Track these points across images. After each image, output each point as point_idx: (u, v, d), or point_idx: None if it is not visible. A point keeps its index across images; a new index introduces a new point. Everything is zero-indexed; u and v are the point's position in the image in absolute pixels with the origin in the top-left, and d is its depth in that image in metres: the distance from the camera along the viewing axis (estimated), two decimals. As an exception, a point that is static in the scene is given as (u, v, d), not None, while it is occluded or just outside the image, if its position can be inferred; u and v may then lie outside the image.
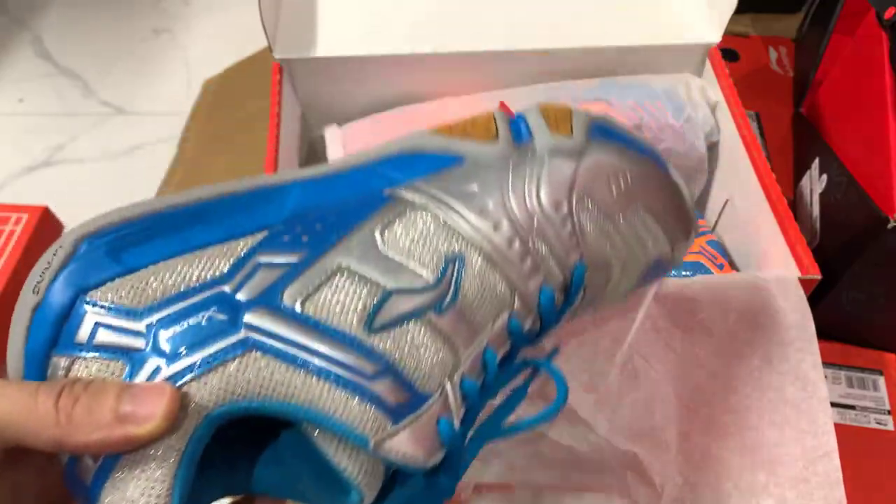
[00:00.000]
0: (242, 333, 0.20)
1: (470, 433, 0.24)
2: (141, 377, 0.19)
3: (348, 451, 0.20)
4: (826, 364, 0.48)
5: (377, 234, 0.22)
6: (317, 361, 0.20)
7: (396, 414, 0.20)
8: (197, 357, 0.19)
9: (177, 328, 0.20)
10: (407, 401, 0.21)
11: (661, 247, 0.26)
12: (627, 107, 0.49)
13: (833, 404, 0.46)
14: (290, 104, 0.49)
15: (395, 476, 0.22)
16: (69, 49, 0.84)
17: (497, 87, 0.51)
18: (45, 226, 0.52)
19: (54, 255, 0.20)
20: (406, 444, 0.20)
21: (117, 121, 0.76)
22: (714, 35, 0.50)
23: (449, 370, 0.22)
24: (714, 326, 0.36)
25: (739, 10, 0.47)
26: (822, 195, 0.51)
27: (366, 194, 0.23)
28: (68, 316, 0.19)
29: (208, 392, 0.19)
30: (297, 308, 0.21)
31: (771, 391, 0.36)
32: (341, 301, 0.21)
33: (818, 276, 0.37)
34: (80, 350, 0.19)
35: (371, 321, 0.21)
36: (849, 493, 0.34)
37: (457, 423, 0.22)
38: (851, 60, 0.52)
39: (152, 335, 0.19)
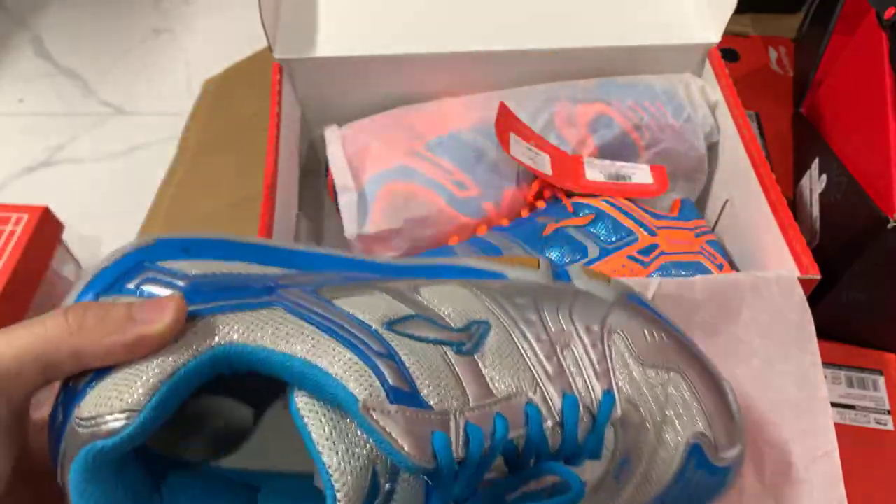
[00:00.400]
0: (274, 297, 0.22)
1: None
2: None
3: (335, 441, 0.20)
4: (826, 364, 0.48)
5: (415, 291, 0.24)
6: (330, 324, 0.21)
7: (394, 395, 0.20)
8: (225, 301, 0.21)
9: (215, 284, 0.22)
10: (406, 391, 0.20)
11: (696, 426, 0.25)
12: (627, 107, 0.49)
13: (833, 404, 0.46)
14: (290, 104, 0.49)
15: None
16: (69, 49, 0.84)
17: (497, 87, 0.51)
18: (46, 226, 0.52)
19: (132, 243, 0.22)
20: (395, 427, 0.20)
21: (117, 121, 0.76)
22: (714, 35, 0.50)
23: (455, 405, 0.21)
24: (714, 326, 0.36)
25: (739, 10, 0.47)
26: (821, 195, 0.51)
27: (408, 272, 0.25)
28: (129, 272, 0.21)
29: (225, 327, 0.20)
30: (329, 298, 0.22)
31: (771, 391, 0.36)
32: (370, 303, 0.22)
33: (818, 276, 0.37)
34: (124, 292, 0.21)
35: (391, 324, 0.22)
36: (849, 493, 0.34)
37: (455, 451, 0.21)
38: (851, 60, 0.52)
39: (192, 285, 0.21)
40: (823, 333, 0.36)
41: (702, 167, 0.51)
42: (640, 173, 0.48)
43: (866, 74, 0.48)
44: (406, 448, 0.20)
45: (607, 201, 0.46)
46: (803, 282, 0.37)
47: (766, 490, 0.34)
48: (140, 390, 0.19)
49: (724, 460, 0.26)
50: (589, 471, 0.24)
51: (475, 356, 0.22)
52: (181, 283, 0.22)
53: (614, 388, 0.24)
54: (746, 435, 0.35)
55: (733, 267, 0.46)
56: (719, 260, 0.44)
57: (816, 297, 0.38)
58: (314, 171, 0.56)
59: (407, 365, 0.21)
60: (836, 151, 0.50)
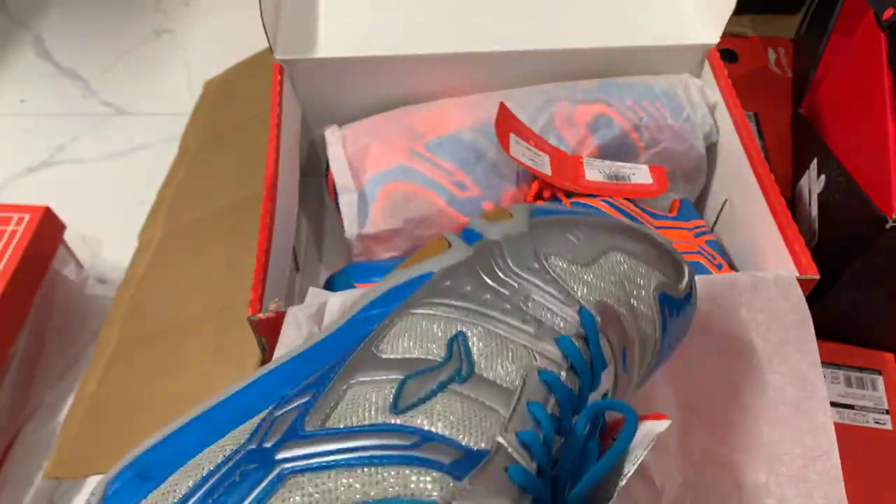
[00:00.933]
0: (276, 469, 0.20)
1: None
2: None
3: None
4: (825, 364, 0.48)
5: (374, 348, 0.22)
6: (353, 455, 0.19)
7: (456, 469, 0.19)
8: None
9: (214, 496, 0.19)
10: (462, 457, 0.20)
11: (653, 280, 0.26)
12: (626, 107, 0.49)
13: (831, 404, 0.46)
14: (290, 104, 0.49)
15: None
16: (70, 49, 0.84)
17: (497, 87, 0.51)
18: (46, 226, 0.52)
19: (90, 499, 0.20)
20: (481, 496, 0.19)
21: (118, 121, 0.76)
22: (713, 36, 0.50)
23: (497, 428, 0.21)
24: (713, 326, 0.37)
25: (738, 11, 0.48)
26: (820, 195, 0.51)
27: (355, 337, 0.23)
28: None
29: None
30: (320, 427, 0.20)
31: (770, 390, 0.36)
32: (361, 404, 0.21)
33: (817, 276, 0.37)
34: None
35: (395, 406, 0.21)
36: (848, 493, 0.34)
37: (531, 469, 0.20)
38: (850, 61, 0.52)
39: None
40: (822, 333, 0.37)
41: (701, 167, 0.51)
42: (640, 173, 0.48)
43: (865, 75, 0.48)
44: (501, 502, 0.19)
45: (606, 201, 0.46)
46: (802, 282, 0.37)
47: (765, 489, 0.34)
48: None
49: (682, 290, 0.27)
50: (605, 381, 0.24)
51: (475, 375, 0.22)
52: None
53: (582, 302, 0.24)
54: (746, 434, 0.36)
55: (732, 267, 0.46)
56: (718, 260, 0.44)
57: (815, 297, 0.38)
58: (314, 171, 0.56)
59: (440, 433, 0.20)
60: (835, 151, 0.50)
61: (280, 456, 0.20)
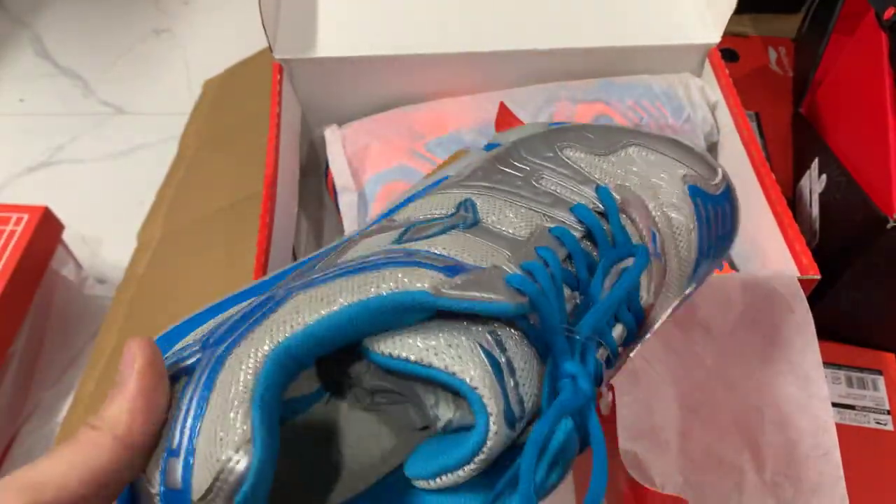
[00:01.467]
0: (282, 292, 0.20)
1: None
2: (198, 370, 0.19)
3: (427, 342, 0.18)
4: (825, 364, 0.48)
5: (386, 221, 0.23)
6: (348, 267, 0.20)
7: (449, 272, 0.19)
8: (243, 329, 0.19)
9: (224, 329, 0.20)
10: (455, 266, 0.20)
11: (679, 171, 0.25)
12: (627, 107, 0.49)
13: (832, 404, 0.46)
14: (290, 104, 0.49)
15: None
16: (69, 49, 0.84)
17: (497, 87, 0.51)
18: (46, 226, 0.52)
19: None
20: (471, 289, 0.19)
21: (117, 121, 0.76)
22: (713, 35, 0.50)
23: (499, 256, 0.21)
24: (714, 326, 0.37)
25: (739, 11, 0.48)
26: (821, 195, 0.51)
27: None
28: None
29: (261, 345, 0.18)
30: (337, 260, 0.21)
31: (771, 390, 0.36)
32: (366, 247, 0.22)
33: (817, 276, 0.37)
34: None
35: (400, 239, 0.21)
36: (848, 493, 0.34)
37: (535, 280, 0.20)
38: (851, 61, 0.52)
39: (202, 344, 0.19)
40: (823, 333, 0.37)
41: (701, 167, 0.51)
42: (640, 173, 0.48)
43: (866, 75, 0.48)
44: (494, 297, 0.18)
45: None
46: (803, 282, 0.37)
47: (766, 489, 0.34)
48: (234, 415, 0.17)
49: (717, 187, 0.26)
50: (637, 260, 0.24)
51: (481, 224, 0.22)
52: (195, 349, 0.19)
53: (599, 183, 0.24)
54: (747, 434, 0.36)
55: (733, 267, 0.46)
56: (719, 260, 0.44)
57: (816, 296, 0.38)
58: (314, 171, 0.56)
59: (440, 252, 0.20)
60: (836, 151, 0.50)
61: (293, 285, 0.20)
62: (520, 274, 0.20)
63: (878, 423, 0.46)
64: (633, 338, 0.24)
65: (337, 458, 0.22)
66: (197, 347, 0.19)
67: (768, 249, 0.42)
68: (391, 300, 0.18)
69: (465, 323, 0.19)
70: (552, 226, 0.23)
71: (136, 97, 0.78)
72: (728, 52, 0.67)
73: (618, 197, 0.24)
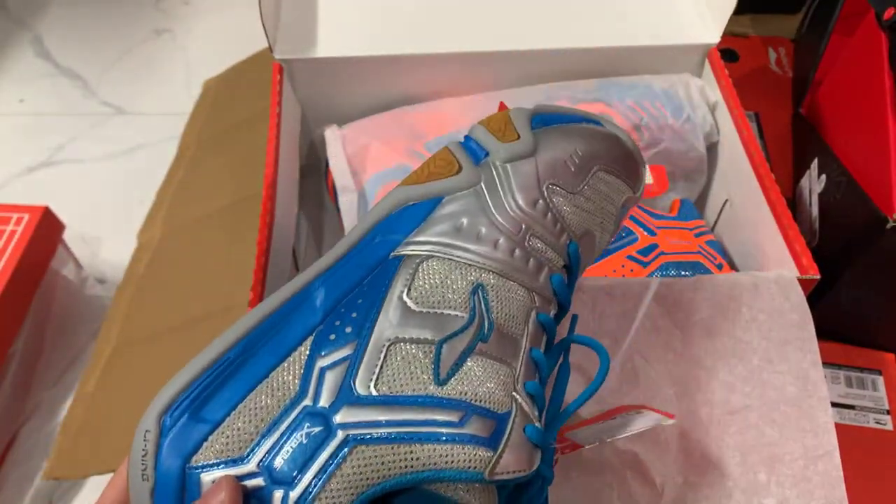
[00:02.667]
0: (340, 435, 0.22)
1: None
2: None
3: (470, 493, 0.22)
4: (825, 364, 0.48)
5: (405, 298, 0.24)
6: (411, 430, 0.22)
7: (492, 442, 0.22)
8: (311, 474, 0.21)
9: (284, 456, 0.21)
10: (495, 427, 0.23)
11: (624, 193, 0.29)
12: (627, 107, 0.49)
13: (832, 404, 0.46)
14: (290, 104, 0.49)
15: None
16: (69, 49, 0.84)
17: (497, 87, 0.51)
18: (46, 226, 0.52)
19: (145, 439, 0.22)
20: (512, 463, 0.22)
21: (117, 121, 0.76)
22: (713, 35, 0.50)
23: (511, 384, 0.24)
24: (713, 326, 0.37)
25: (739, 11, 0.48)
26: (821, 195, 0.51)
27: (377, 264, 0.25)
28: (185, 487, 0.21)
29: (338, 497, 0.21)
30: (373, 392, 0.23)
31: (771, 390, 0.36)
32: (405, 370, 0.23)
33: (817, 276, 0.37)
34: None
35: (437, 375, 0.23)
36: (848, 493, 0.34)
37: (539, 424, 0.24)
38: (851, 61, 0.52)
39: (266, 471, 0.21)
40: (823, 333, 0.37)
41: (701, 167, 0.51)
42: (640, 173, 0.48)
43: (866, 75, 0.48)
44: (526, 467, 0.23)
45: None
46: (803, 282, 0.37)
47: (766, 489, 0.34)
48: None
49: (636, 199, 0.30)
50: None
51: (494, 327, 0.24)
52: (251, 469, 0.21)
53: (572, 236, 0.27)
54: (747, 434, 0.36)
55: (733, 267, 0.46)
56: (719, 260, 0.44)
57: (816, 296, 0.38)
58: (314, 171, 0.56)
59: (478, 404, 0.23)
60: (836, 151, 0.50)
61: (339, 420, 0.22)
62: (534, 426, 0.24)
63: (877, 422, 0.46)
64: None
65: None
66: (257, 472, 0.21)
67: (768, 250, 0.42)
68: (455, 476, 0.22)
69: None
70: (539, 310, 0.26)
71: (136, 97, 0.78)
72: (728, 53, 0.67)
73: (581, 247, 0.27)
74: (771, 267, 0.41)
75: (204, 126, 0.70)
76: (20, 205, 0.52)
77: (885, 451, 0.45)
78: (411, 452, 0.22)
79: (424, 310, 0.24)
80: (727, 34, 0.50)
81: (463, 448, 0.22)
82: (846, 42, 0.53)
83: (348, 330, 0.24)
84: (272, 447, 0.21)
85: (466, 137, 0.29)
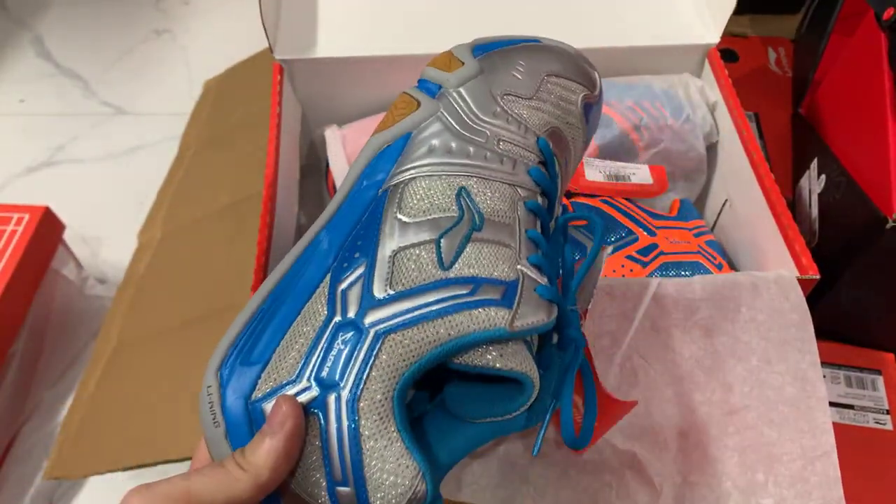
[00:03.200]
0: (371, 333, 0.24)
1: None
2: (332, 412, 0.24)
3: (500, 353, 0.25)
4: (825, 364, 0.48)
5: (399, 216, 0.27)
6: (430, 309, 0.25)
7: (506, 302, 0.25)
8: (354, 372, 0.24)
9: (328, 366, 0.24)
10: (505, 291, 0.26)
11: (579, 92, 0.31)
12: (626, 107, 0.49)
13: (832, 404, 0.46)
14: (290, 104, 0.49)
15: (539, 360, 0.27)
16: (70, 49, 0.84)
17: (497, 87, 0.51)
18: (46, 226, 0.52)
19: (209, 393, 0.25)
20: (529, 314, 0.25)
21: (118, 121, 0.76)
22: (713, 36, 0.50)
23: (514, 259, 0.27)
24: (713, 326, 0.37)
25: (738, 11, 0.48)
26: (820, 195, 0.51)
27: (370, 202, 0.28)
28: (251, 420, 0.24)
29: (382, 384, 0.24)
30: (390, 292, 0.25)
31: (770, 390, 0.36)
32: (413, 268, 0.26)
33: (817, 276, 0.37)
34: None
35: (442, 263, 0.26)
36: (847, 492, 0.34)
37: (547, 283, 0.27)
38: (850, 61, 0.52)
39: (316, 382, 0.24)
40: (822, 333, 0.37)
41: (701, 167, 0.51)
42: (640, 173, 0.48)
43: (865, 75, 0.48)
44: (544, 317, 0.26)
45: (607, 201, 0.46)
46: (802, 282, 0.37)
47: (764, 489, 0.34)
48: (393, 451, 0.23)
49: (595, 96, 0.32)
50: (561, 187, 0.31)
51: (484, 218, 0.27)
52: (305, 385, 0.24)
53: (537, 132, 0.30)
54: (745, 434, 0.36)
55: (732, 267, 0.46)
56: (718, 260, 0.44)
57: (815, 297, 0.38)
58: (314, 171, 0.56)
59: (484, 276, 0.26)
60: (835, 152, 0.50)
61: (367, 322, 0.25)
62: (543, 285, 0.27)
63: (877, 422, 0.46)
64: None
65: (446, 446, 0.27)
66: (309, 385, 0.24)
67: (768, 250, 0.42)
68: (478, 337, 0.25)
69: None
70: (525, 198, 0.28)
71: (136, 98, 0.78)
72: (728, 53, 0.67)
73: (550, 143, 0.30)
74: (770, 267, 0.41)
75: (204, 126, 0.70)
76: (20, 205, 0.52)
77: (884, 451, 0.45)
78: (434, 327, 0.24)
79: (418, 219, 0.27)
80: (727, 34, 0.50)
81: (480, 311, 0.25)
82: (846, 42, 0.53)
83: (357, 255, 0.26)
84: (316, 362, 0.24)
85: (420, 80, 0.31)
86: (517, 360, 0.25)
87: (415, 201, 0.27)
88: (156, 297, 0.54)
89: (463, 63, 0.30)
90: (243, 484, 0.22)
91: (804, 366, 0.36)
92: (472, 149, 0.29)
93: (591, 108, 0.32)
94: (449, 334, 0.25)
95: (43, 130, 0.75)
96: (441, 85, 0.30)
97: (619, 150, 0.49)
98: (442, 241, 0.27)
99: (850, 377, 0.48)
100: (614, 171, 0.48)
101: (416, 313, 0.25)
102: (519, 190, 0.28)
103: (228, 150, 0.64)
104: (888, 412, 0.46)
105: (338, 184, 0.46)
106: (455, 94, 0.30)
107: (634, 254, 0.43)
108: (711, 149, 0.51)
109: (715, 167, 0.51)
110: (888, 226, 0.41)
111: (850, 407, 0.46)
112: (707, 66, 0.51)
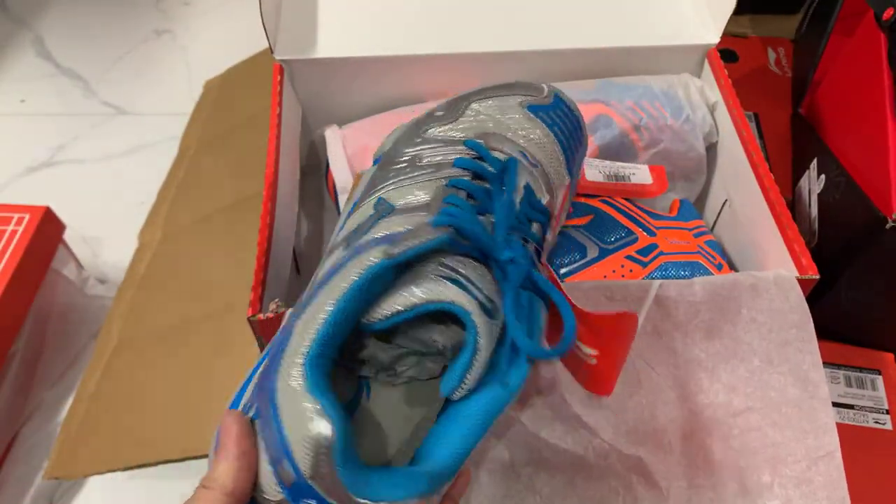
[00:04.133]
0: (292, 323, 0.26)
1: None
2: (265, 406, 0.24)
3: (419, 288, 0.24)
4: (825, 364, 0.48)
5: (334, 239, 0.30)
6: (325, 277, 0.26)
7: (388, 241, 0.25)
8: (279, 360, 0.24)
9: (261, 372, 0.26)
10: (389, 236, 0.26)
11: (513, 100, 0.32)
12: (626, 107, 0.49)
13: (831, 404, 0.46)
14: (290, 104, 0.49)
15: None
16: (70, 49, 0.84)
17: (497, 87, 0.51)
18: (47, 226, 0.52)
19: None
20: (411, 239, 0.25)
21: (118, 121, 0.76)
22: (713, 36, 0.50)
23: (422, 219, 0.27)
24: (713, 327, 0.37)
25: (738, 11, 0.48)
26: (820, 195, 0.51)
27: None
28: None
29: (295, 361, 0.23)
30: (310, 292, 0.27)
31: (772, 391, 0.36)
32: (327, 263, 0.27)
33: (817, 277, 0.37)
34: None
35: (347, 245, 0.28)
36: (848, 492, 0.34)
37: (450, 215, 0.26)
38: (850, 61, 0.52)
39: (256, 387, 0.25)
40: (822, 333, 0.37)
41: (701, 168, 0.51)
42: (640, 173, 0.48)
43: (865, 75, 0.48)
44: (428, 237, 0.25)
45: (606, 201, 0.46)
46: (802, 282, 0.37)
47: (770, 491, 0.34)
48: (300, 409, 0.22)
49: (547, 98, 0.33)
50: (520, 177, 0.31)
51: (396, 208, 0.28)
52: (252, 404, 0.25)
53: (463, 137, 0.31)
54: (749, 436, 0.36)
55: (732, 267, 0.46)
56: (718, 260, 0.44)
57: (815, 297, 0.38)
58: (314, 171, 0.56)
59: (376, 236, 0.26)
60: (835, 152, 0.50)
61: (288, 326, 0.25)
62: (437, 216, 0.26)
63: (876, 422, 0.46)
64: (547, 228, 0.31)
65: (392, 432, 0.27)
66: (251, 402, 0.25)
67: (768, 250, 0.42)
68: (361, 280, 0.24)
69: (420, 269, 0.25)
70: (449, 179, 0.29)
71: (136, 98, 0.78)
72: (727, 53, 0.67)
73: (481, 141, 0.31)
74: (770, 267, 0.41)
75: (205, 126, 0.70)
76: (21, 205, 0.52)
77: (884, 451, 0.45)
78: (327, 291, 0.24)
79: (341, 240, 0.28)
80: (727, 34, 0.50)
81: (360, 256, 0.25)
82: (845, 42, 0.53)
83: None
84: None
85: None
86: (427, 291, 0.24)
87: (343, 232, 0.29)
88: (156, 297, 0.54)
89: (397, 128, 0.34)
90: (215, 502, 0.23)
91: (806, 366, 0.36)
92: (392, 174, 0.30)
93: (545, 109, 0.33)
94: (337, 292, 0.24)
95: (43, 130, 0.75)
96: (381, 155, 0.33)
97: (619, 151, 0.49)
98: (353, 232, 0.28)
99: (850, 377, 0.48)
100: (614, 171, 0.48)
101: (311, 291, 0.25)
102: (443, 179, 0.29)
103: (229, 150, 0.64)
104: (888, 412, 0.46)
105: (338, 184, 0.46)
106: (389, 149, 0.32)
107: (634, 254, 0.43)
108: (711, 149, 0.51)
109: (715, 167, 0.51)
110: (888, 226, 0.41)
111: (850, 407, 0.47)
112: (707, 67, 0.51)
